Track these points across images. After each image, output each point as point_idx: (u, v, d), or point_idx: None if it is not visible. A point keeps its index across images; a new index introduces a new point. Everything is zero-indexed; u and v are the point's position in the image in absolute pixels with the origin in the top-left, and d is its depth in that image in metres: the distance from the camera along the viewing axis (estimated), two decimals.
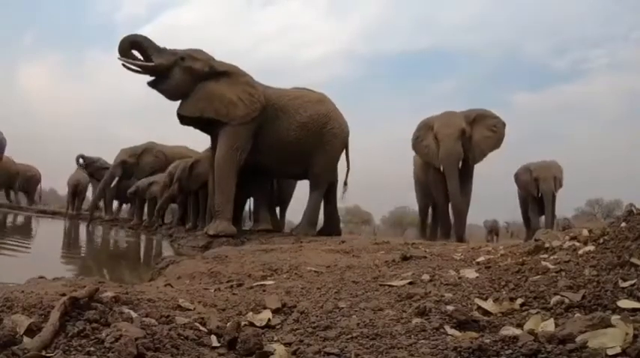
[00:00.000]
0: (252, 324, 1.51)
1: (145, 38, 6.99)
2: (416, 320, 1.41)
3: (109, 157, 14.40)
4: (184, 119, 7.35)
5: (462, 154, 8.80)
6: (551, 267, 1.85)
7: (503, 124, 9.32)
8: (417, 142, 9.61)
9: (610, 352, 1.05)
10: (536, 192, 11.68)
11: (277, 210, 9.97)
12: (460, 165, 9.04)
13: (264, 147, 7.39)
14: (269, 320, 1.54)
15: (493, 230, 20.62)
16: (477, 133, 9.08)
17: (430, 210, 11.81)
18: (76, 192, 16.02)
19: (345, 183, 8.61)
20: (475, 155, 9.14)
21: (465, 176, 9.22)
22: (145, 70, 6.92)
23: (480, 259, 2.47)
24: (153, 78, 7.06)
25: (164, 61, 6.89)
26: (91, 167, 15.58)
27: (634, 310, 1.32)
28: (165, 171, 10.99)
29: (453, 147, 8.68)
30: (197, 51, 7.29)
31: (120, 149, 13.63)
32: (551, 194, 11.54)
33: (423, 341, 1.26)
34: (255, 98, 7.29)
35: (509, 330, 1.28)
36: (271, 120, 7.42)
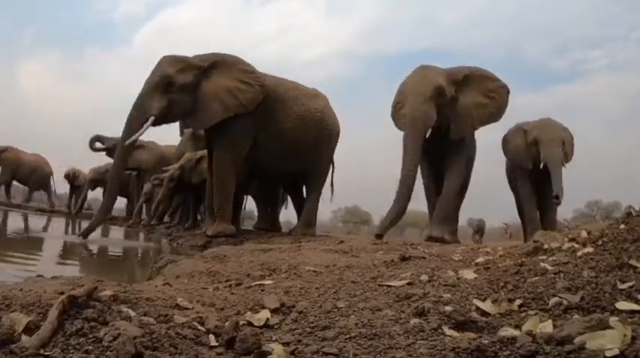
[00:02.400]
0: (250, 324, 1.51)
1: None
2: (414, 321, 1.41)
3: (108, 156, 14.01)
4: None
5: (431, 119, 6.20)
6: (549, 268, 1.85)
7: (507, 91, 6.84)
8: (397, 110, 7.09)
9: (608, 353, 1.05)
10: (531, 163, 7.56)
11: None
12: (436, 137, 6.44)
13: (261, 143, 7.03)
14: (267, 319, 1.54)
15: (479, 229, 19.36)
16: (466, 97, 6.70)
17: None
18: (74, 184, 15.86)
19: (332, 184, 8.49)
20: (459, 126, 6.67)
21: (450, 154, 6.83)
22: (154, 124, 6.39)
23: (479, 260, 2.47)
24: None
25: (159, 105, 6.25)
26: (98, 180, 14.79)
27: (632, 312, 1.32)
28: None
29: (419, 109, 6.15)
30: (172, 62, 6.47)
31: None
32: (559, 163, 7.26)
33: (421, 341, 1.26)
34: (257, 74, 6.90)
35: (507, 331, 1.28)
36: (270, 111, 7.01)
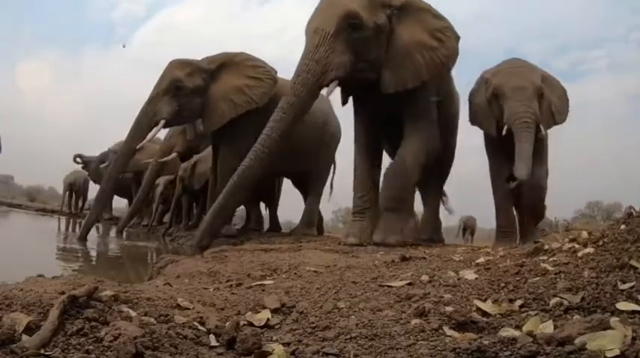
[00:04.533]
0: (250, 324, 1.51)
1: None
2: (415, 321, 1.41)
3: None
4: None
5: (333, 66, 4.12)
6: (550, 268, 1.85)
7: (456, 36, 4.80)
8: None
9: (609, 354, 1.05)
10: (494, 126, 5.12)
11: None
12: (375, 95, 4.56)
13: None
14: (268, 319, 1.54)
15: (468, 228, 17.36)
16: (407, 31, 4.49)
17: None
18: (72, 191, 16.05)
19: (331, 186, 8.48)
20: (397, 72, 4.41)
21: (404, 117, 4.83)
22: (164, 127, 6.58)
23: (480, 260, 2.47)
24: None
25: (169, 109, 6.36)
26: (89, 166, 15.37)
27: (633, 312, 1.32)
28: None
29: (312, 54, 4.11)
30: (180, 66, 6.57)
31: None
32: (528, 126, 4.73)
33: (421, 342, 1.26)
34: (267, 69, 6.83)
35: (508, 332, 1.28)
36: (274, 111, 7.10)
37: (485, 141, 5.49)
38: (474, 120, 5.44)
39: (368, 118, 4.94)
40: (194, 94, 6.52)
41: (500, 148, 5.17)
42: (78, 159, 15.05)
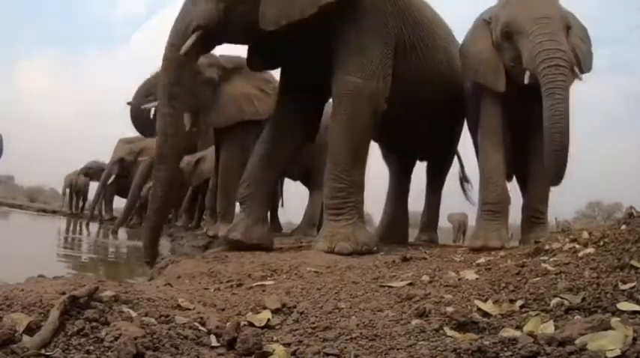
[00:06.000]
0: (251, 324, 1.51)
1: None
2: (415, 322, 1.41)
3: (108, 153, 13.97)
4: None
5: (194, 19, 3.58)
6: (551, 268, 1.85)
7: None
8: None
9: (609, 354, 1.05)
10: (503, 79, 3.64)
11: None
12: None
13: None
14: (268, 320, 1.54)
15: (461, 227, 16.10)
16: None
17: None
18: (72, 191, 16.14)
19: None
20: (274, 4, 3.35)
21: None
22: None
23: (480, 261, 2.47)
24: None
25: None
26: (89, 172, 15.37)
27: (634, 312, 1.32)
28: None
29: (178, 18, 3.75)
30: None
31: (118, 140, 13.04)
32: (564, 70, 3.13)
33: (422, 342, 1.26)
34: (275, 85, 6.85)
35: (508, 332, 1.28)
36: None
37: (481, 103, 4.03)
38: (475, 76, 3.99)
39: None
40: (206, 85, 6.61)
41: (499, 113, 3.84)
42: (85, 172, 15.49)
